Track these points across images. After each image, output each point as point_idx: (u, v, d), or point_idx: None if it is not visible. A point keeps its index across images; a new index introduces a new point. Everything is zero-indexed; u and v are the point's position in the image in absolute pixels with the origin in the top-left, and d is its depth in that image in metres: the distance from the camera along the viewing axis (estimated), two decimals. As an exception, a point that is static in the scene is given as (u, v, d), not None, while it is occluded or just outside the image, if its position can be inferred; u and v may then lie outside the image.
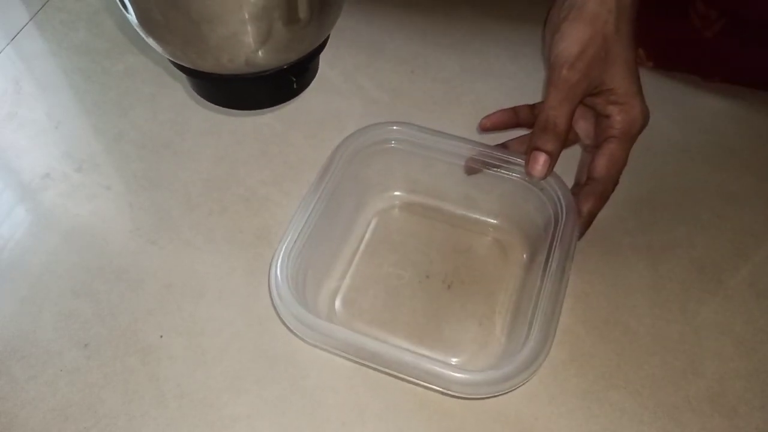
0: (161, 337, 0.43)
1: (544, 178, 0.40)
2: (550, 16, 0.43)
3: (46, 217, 0.49)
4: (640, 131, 0.42)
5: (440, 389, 0.36)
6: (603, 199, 0.43)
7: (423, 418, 0.39)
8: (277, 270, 0.39)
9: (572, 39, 0.40)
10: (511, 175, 0.43)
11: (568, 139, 0.40)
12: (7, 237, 0.48)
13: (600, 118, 0.43)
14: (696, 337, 0.42)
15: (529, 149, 0.40)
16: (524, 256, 0.46)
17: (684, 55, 0.41)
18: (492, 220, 0.47)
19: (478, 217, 0.48)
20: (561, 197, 0.41)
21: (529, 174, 0.40)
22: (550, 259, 0.39)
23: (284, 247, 0.39)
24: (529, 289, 0.42)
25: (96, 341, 0.43)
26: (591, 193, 0.43)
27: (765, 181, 0.50)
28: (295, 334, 0.39)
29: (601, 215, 0.46)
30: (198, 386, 0.41)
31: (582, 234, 0.43)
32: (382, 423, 0.39)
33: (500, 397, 0.39)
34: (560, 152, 0.40)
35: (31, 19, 0.63)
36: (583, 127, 0.46)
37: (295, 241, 0.40)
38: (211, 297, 0.44)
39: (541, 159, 0.39)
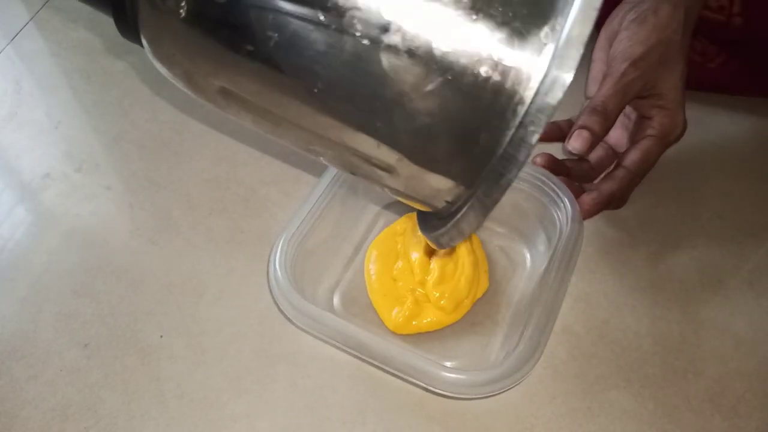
0: (161, 337, 0.43)
1: (582, 153, 0.41)
2: (609, 20, 0.45)
3: (46, 217, 0.49)
4: (676, 139, 0.45)
5: (425, 386, 0.37)
6: (625, 187, 0.45)
7: (423, 418, 0.39)
8: (277, 254, 0.40)
9: (638, 40, 0.42)
10: (520, 184, 0.43)
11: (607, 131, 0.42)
12: (7, 237, 0.48)
13: (642, 120, 0.46)
14: (696, 337, 0.42)
15: (575, 127, 0.42)
16: (528, 264, 0.45)
17: (688, 81, 0.43)
18: (498, 229, 0.47)
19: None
20: (568, 208, 0.42)
21: (568, 147, 0.42)
22: (551, 269, 0.39)
23: (285, 236, 0.40)
24: (529, 297, 0.43)
25: (96, 341, 0.43)
26: (617, 178, 0.44)
27: (765, 181, 0.50)
28: (288, 318, 0.39)
29: (601, 215, 0.46)
30: (198, 386, 0.41)
31: (590, 214, 0.44)
32: (382, 423, 0.39)
33: (500, 396, 0.39)
34: (602, 137, 0.42)
35: (31, 19, 0.62)
36: (616, 135, 0.48)
37: (294, 234, 0.41)
38: (211, 297, 0.44)
39: (585, 135, 0.41)
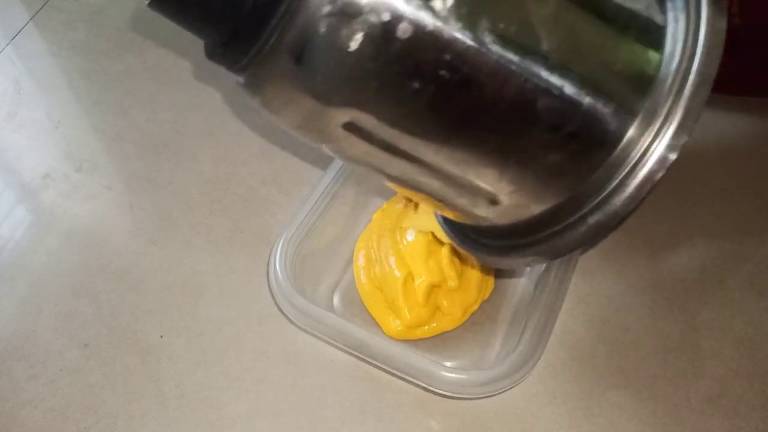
0: (161, 337, 0.43)
1: None
2: None
3: (46, 217, 0.49)
4: None
5: (425, 386, 0.37)
6: None
7: (423, 418, 0.39)
8: (277, 254, 0.40)
9: None
10: None
11: None
12: (7, 237, 0.48)
13: None
14: (696, 337, 0.42)
15: None
16: (528, 267, 0.45)
17: None
18: None
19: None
20: None
21: None
22: (551, 269, 0.39)
23: (285, 236, 0.40)
24: (529, 297, 0.43)
25: (96, 341, 0.43)
26: None
27: (765, 181, 0.50)
28: (288, 318, 0.39)
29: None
30: (198, 386, 0.41)
31: None
32: (382, 423, 0.39)
33: (500, 396, 0.39)
34: None
35: (31, 19, 0.62)
36: None
37: (294, 234, 0.41)
38: (211, 297, 0.44)
39: None
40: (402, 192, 0.31)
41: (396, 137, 0.24)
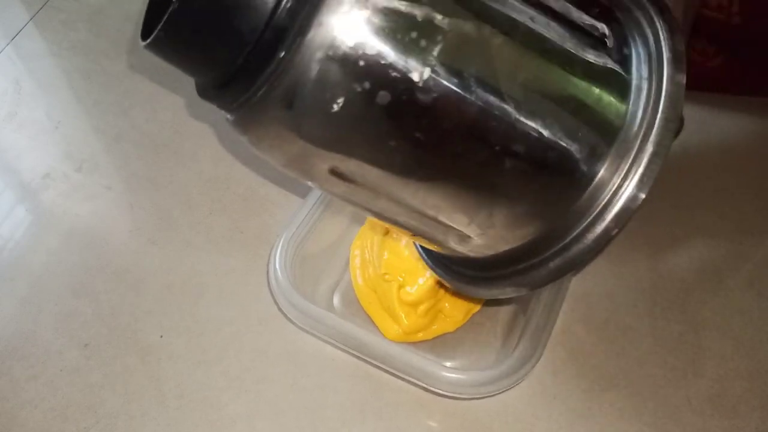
0: (161, 337, 0.43)
1: None
2: None
3: (46, 217, 0.49)
4: (674, 138, 0.44)
5: (425, 386, 0.37)
6: None
7: (423, 418, 0.39)
8: (277, 254, 0.40)
9: None
10: None
11: None
12: (7, 237, 0.48)
13: None
14: (696, 337, 0.42)
15: None
16: None
17: (687, 81, 0.43)
18: None
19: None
20: None
21: None
22: None
23: (285, 236, 0.41)
24: (529, 298, 0.42)
25: (96, 341, 0.43)
26: None
27: (765, 181, 0.50)
28: (288, 318, 0.39)
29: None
30: (198, 386, 0.41)
31: None
32: (382, 422, 0.39)
33: (500, 396, 0.39)
34: None
35: (31, 19, 0.62)
36: None
37: (294, 234, 0.41)
38: (211, 297, 0.44)
39: None
40: (379, 223, 0.32)
41: (375, 183, 0.25)
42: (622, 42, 0.27)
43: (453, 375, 0.36)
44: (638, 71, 0.26)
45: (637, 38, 0.27)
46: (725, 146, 0.52)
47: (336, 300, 0.44)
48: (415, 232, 0.29)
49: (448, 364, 0.41)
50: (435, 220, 0.27)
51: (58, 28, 0.62)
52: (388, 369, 0.38)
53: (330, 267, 0.45)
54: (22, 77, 0.58)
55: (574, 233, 0.26)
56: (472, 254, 0.30)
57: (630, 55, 0.26)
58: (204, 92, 0.25)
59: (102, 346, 0.42)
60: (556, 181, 0.26)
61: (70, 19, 0.62)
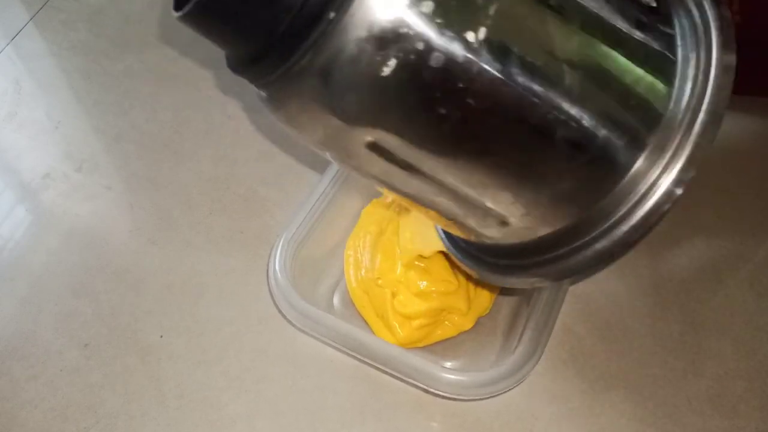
0: (161, 337, 0.43)
1: None
2: None
3: (46, 217, 0.49)
4: None
5: (425, 387, 0.37)
6: None
7: (423, 419, 0.39)
8: (277, 254, 0.40)
9: None
10: None
11: None
12: (7, 237, 0.48)
13: None
14: (696, 337, 0.42)
15: None
16: None
17: None
18: None
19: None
20: None
21: None
22: None
23: (285, 236, 0.40)
24: (529, 297, 0.42)
25: (96, 341, 0.43)
26: None
27: (765, 181, 0.50)
28: (287, 319, 0.39)
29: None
30: (198, 386, 0.41)
31: None
32: (382, 424, 0.39)
33: (500, 397, 0.39)
34: None
35: (31, 19, 0.62)
36: None
37: (294, 234, 0.41)
38: (211, 297, 0.44)
39: None
40: (412, 208, 0.31)
41: (417, 158, 0.24)
42: (668, 18, 0.26)
43: (453, 376, 0.36)
44: (684, 50, 0.25)
45: (681, 13, 0.26)
46: (725, 146, 0.52)
47: (336, 300, 0.44)
48: (449, 216, 0.28)
49: (448, 364, 0.41)
50: (476, 200, 0.26)
51: (58, 28, 0.62)
52: (387, 370, 0.38)
53: (330, 267, 0.45)
54: (22, 77, 0.58)
55: (620, 213, 0.25)
56: (504, 241, 0.28)
57: (674, 34, 0.25)
58: (237, 65, 0.24)
59: (102, 346, 0.42)
60: (589, 175, 0.25)
61: (70, 19, 0.62)
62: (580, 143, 0.24)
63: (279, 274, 0.39)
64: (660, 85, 0.25)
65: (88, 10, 0.63)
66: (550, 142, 0.24)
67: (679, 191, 0.24)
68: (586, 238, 0.26)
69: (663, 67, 0.25)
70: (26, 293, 0.45)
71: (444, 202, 0.27)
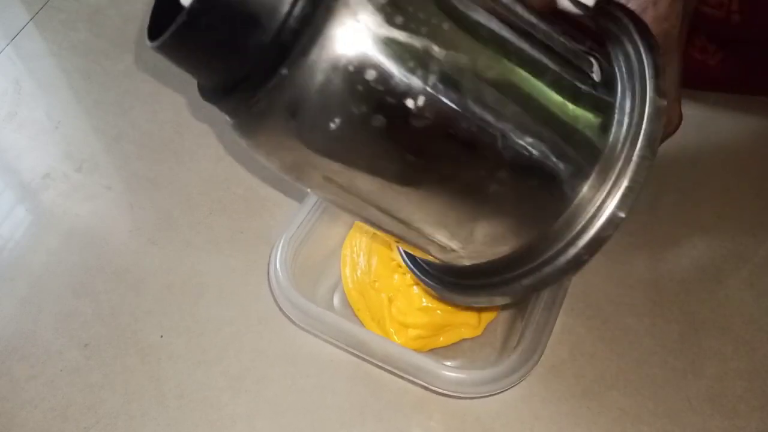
0: (161, 337, 0.43)
1: None
2: None
3: (46, 217, 0.49)
4: (671, 133, 0.44)
5: (425, 385, 0.37)
6: None
7: (423, 418, 0.39)
8: (277, 254, 0.40)
9: None
10: None
11: None
12: (7, 237, 0.48)
13: None
14: (696, 337, 0.42)
15: None
16: None
17: (687, 79, 0.42)
18: None
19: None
20: None
21: None
22: None
23: (285, 236, 0.41)
24: (529, 298, 0.42)
25: (96, 341, 0.43)
26: None
27: (765, 181, 0.50)
28: (288, 318, 0.39)
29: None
30: (198, 386, 0.41)
31: None
32: (382, 422, 0.39)
33: (500, 396, 0.39)
34: None
35: (31, 19, 0.62)
36: None
37: (294, 234, 0.41)
38: (211, 297, 0.44)
39: None
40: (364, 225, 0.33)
41: (365, 195, 0.27)
42: (609, 66, 0.28)
43: (453, 374, 0.36)
44: (622, 92, 0.27)
45: (620, 57, 0.28)
46: (725, 146, 0.52)
47: (336, 300, 0.44)
48: (399, 239, 0.30)
49: (448, 363, 0.41)
50: (419, 231, 0.28)
51: (58, 28, 0.62)
52: (388, 369, 0.38)
53: (330, 268, 0.45)
54: (22, 77, 0.58)
55: (548, 254, 0.27)
56: (452, 264, 0.31)
57: (615, 80, 0.28)
58: (206, 94, 0.26)
59: (102, 346, 0.42)
60: (539, 202, 0.27)
61: (70, 19, 0.62)
62: (521, 185, 0.26)
63: (280, 273, 0.39)
64: (599, 122, 0.27)
65: (88, 10, 0.63)
66: (488, 189, 0.26)
67: (622, 215, 0.26)
68: (519, 271, 0.28)
69: (602, 106, 0.27)
70: (26, 293, 0.45)
71: (393, 229, 0.29)
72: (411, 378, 0.37)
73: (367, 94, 0.23)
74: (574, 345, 0.42)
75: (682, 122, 0.45)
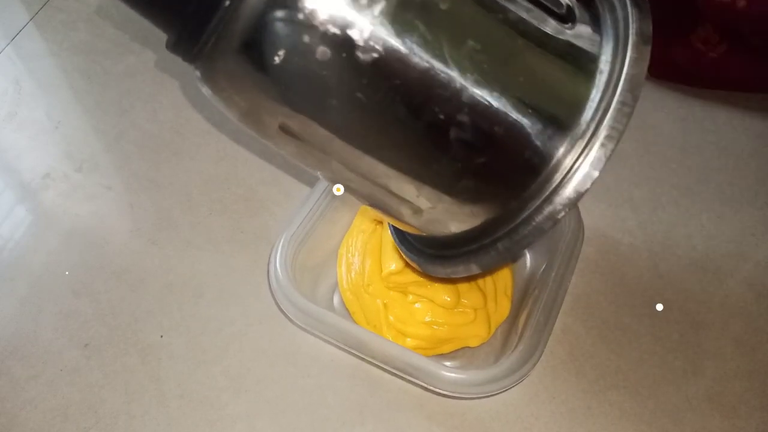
0: (161, 337, 0.43)
1: None
2: None
3: (46, 217, 0.49)
4: None
5: (425, 385, 0.37)
6: None
7: (423, 418, 0.39)
8: (277, 254, 0.40)
9: None
10: None
11: None
12: (7, 237, 0.48)
13: None
14: (696, 337, 0.42)
15: None
16: (528, 264, 0.45)
17: (687, 74, 0.41)
18: None
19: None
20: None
21: None
22: (551, 269, 0.39)
23: (285, 235, 0.40)
24: (528, 298, 0.42)
25: (96, 341, 0.43)
26: None
27: (765, 181, 0.50)
28: (288, 318, 0.39)
29: (601, 215, 0.46)
30: (198, 386, 0.41)
31: None
32: (382, 423, 0.39)
33: (500, 396, 0.39)
34: None
35: (31, 19, 0.62)
36: None
37: (294, 234, 0.41)
38: (211, 297, 0.44)
39: None
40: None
41: (322, 144, 0.25)
42: (595, 23, 0.26)
43: (453, 374, 0.36)
44: (605, 53, 0.26)
45: (608, 20, 0.26)
46: (725, 146, 0.52)
47: (336, 300, 0.44)
48: (370, 202, 0.29)
49: (448, 363, 0.41)
50: (386, 188, 0.27)
51: (58, 28, 0.62)
52: (387, 369, 0.38)
53: (330, 267, 0.45)
54: (22, 77, 0.58)
55: (524, 215, 0.25)
56: (425, 231, 0.29)
57: (600, 38, 0.26)
58: (169, 45, 0.25)
59: (102, 346, 0.42)
60: (507, 158, 0.25)
61: (70, 19, 0.62)
62: (485, 135, 0.24)
63: (280, 273, 0.39)
64: (574, 79, 0.25)
65: (88, 10, 0.63)
66: (446, 137, 0.24)
67: (595, 174, 0.25)
68: (495, 235, 0.26)
69: (580, 62, 0.25)
70: (26, 293, 0.45)
71: (360, 188, 0.27)
72: (411, 378, 0.37)
73: (310, 23, 0.22)
74: (574, 345, 0.42)
75: (684, 123, 0.45)
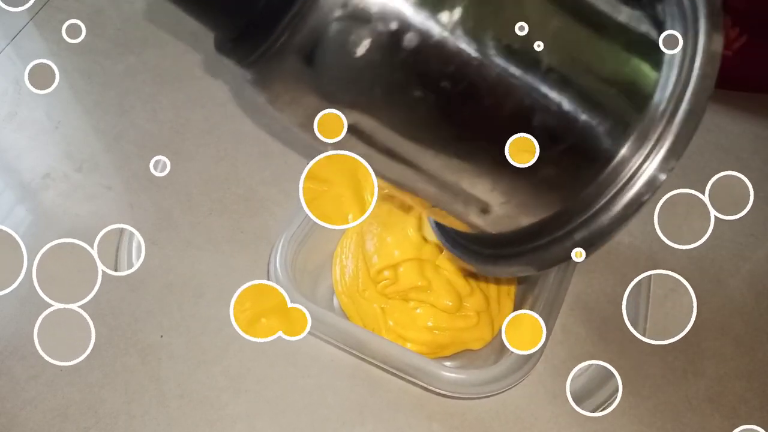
0: (161, 337, 0.43)
1: None
2: None
3: (46, 217, 0.49)
4: None
5: (425, 385, 0.37)
6: None
7: (423, 418, 0.39)
8: (277, 254, 0.40)
9: None
10: None
11: None
12: (7, 237, 0.48)
13: None
14: (696, 337, 0.42)
15: None
16: None
17: None
18: None
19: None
20: None
21: None
22: (551, 269, 0.39)
23: (285, 235, 0.40)
24: (528, 297, 0.42)
25: (96, 341, 0.42)
26: None
27: (765, 181, 0.50)
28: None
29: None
30: (198, 386, 0.41)
31: None
32: (382, 423, 0.39)
33: (500, 396, 0.39)
34: None
35: (31, 19, 0.62)
36: None
37: (294, 233, 0.41)
38: (211, 297, 0.44)
39: None
40: (398, 194, 0.31)
41: (395, 142, 0.24)
42: (657, 3, 0.26)
43: (453, 374, 0.36)
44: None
45: (673, 2, 0.26)
46: (725, 146, 0.52)
47: (336, 301, 0.44)
48: (434, 203, 0.28)
49: (448, 363, 0.41)
50: (456, 186, 0.26)
51: (58, 28, 0.62)
52: (387, 369, 0.38)
53: (330, 267, 0.45)
54: (22, 77, 0.58)
55: (600, 204, 0.25)
56: (489, 229, 0.28)
57: (664, 20, 0.25)
58: (221, 47, 0.24)
59: (102, 346, 0.42)
60: (581, 147, 0.25)
61: (70, 19, 0.62)
62: (560, 128, 0.24)
63: (280, 273, 0.39)
64: (647, 71, 0.25)
65: (88, 10, 0.63)
66: (529, 127, 0.23)
67: (661, 178, 0.24)
68: (568, 228, 0.26)
69: (650, 53, 0.25)
70: (26, 293, 0.45)
71: (426, 188, 0.27)
72: (411, 378, 0.37)
73: (397, 8, 0.21)
74: (574, 345, 0.42)
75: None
